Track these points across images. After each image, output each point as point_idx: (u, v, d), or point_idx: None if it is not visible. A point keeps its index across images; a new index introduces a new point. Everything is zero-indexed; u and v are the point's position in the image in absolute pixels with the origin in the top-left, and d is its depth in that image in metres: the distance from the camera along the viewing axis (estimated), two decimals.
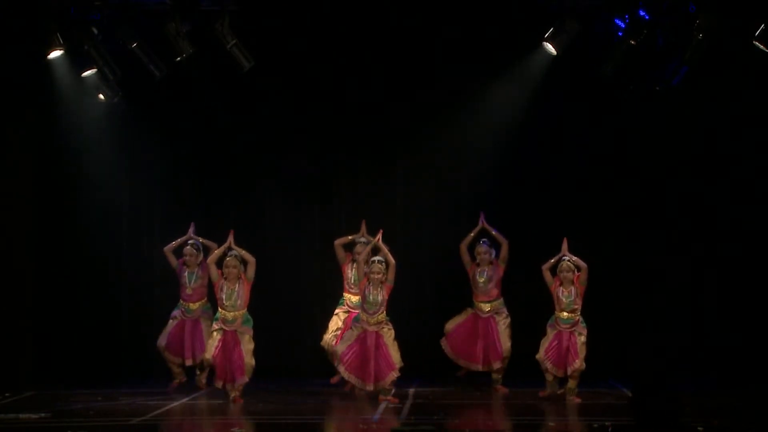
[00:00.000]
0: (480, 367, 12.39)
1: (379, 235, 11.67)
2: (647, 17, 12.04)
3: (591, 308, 12.14)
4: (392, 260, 11.46)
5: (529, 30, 12.66)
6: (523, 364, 12.17)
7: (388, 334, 11.46)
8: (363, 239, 12.28)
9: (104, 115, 13.40)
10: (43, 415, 10.43)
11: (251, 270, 11.44)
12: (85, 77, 12.66)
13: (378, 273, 11.38)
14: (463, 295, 13.17)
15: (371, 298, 11.41)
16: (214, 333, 11.44)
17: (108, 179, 13.57)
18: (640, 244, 13.26)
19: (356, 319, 11.60)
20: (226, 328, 11.38)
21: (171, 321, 12.38)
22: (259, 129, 13.64)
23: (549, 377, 11.65)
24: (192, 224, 12.42)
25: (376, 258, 11.48)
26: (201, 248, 12.25)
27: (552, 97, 13.26)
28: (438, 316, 12.72)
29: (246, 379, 11.38)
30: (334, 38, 13.12)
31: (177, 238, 12.40)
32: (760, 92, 12.82)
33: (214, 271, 11.50)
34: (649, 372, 12.56)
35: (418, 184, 13.71)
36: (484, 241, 12.31)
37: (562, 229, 13.10)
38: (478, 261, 12.34)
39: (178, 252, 12.36)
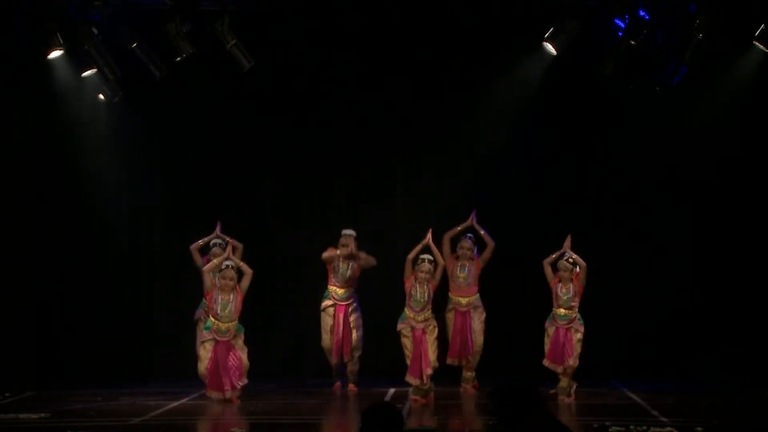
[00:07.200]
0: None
1: (429, 234, 11.68)
2: (647, 17, 12.04)
3: (597, 307, 12.19)
4: (441, 260, 11.62)
5: (529, 30, 12.66)
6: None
7: (433, 333, 11.55)
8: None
9: (104, 115, 13.40)
10: (43, 415, 10.44)
11: (246, 281, 11.41)
12: (85, 77, 12.66)
13: (426, 272, 11.43)
14: None
15: (418, 296, 11.45)
16: (206, 344, 11.36)
17: (108, 179, 13.56)
18: (640, 240, 13.26)
19: (403, 319, 11.58)
20: (219, 339, 11.34)
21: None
22: (259, 129, 13.63)
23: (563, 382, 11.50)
24: (218, 222, 12.27)
25: (426, 256, 11.53)
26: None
27: (552, 97, 13.26)
28: (436, 316, 12.69)
29: (245, 380, 11.40)
30: (335, 38, 13.12)
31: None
32: (760, 92, 12.81)
33: (207, 280, 11.42)
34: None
35: (418, 184, 13.71)
36: (468, 236, 12.24)
37: (561, 229, 13.11)
38: (458, 254, 12.23)
39: (204, 250, 12.17)
